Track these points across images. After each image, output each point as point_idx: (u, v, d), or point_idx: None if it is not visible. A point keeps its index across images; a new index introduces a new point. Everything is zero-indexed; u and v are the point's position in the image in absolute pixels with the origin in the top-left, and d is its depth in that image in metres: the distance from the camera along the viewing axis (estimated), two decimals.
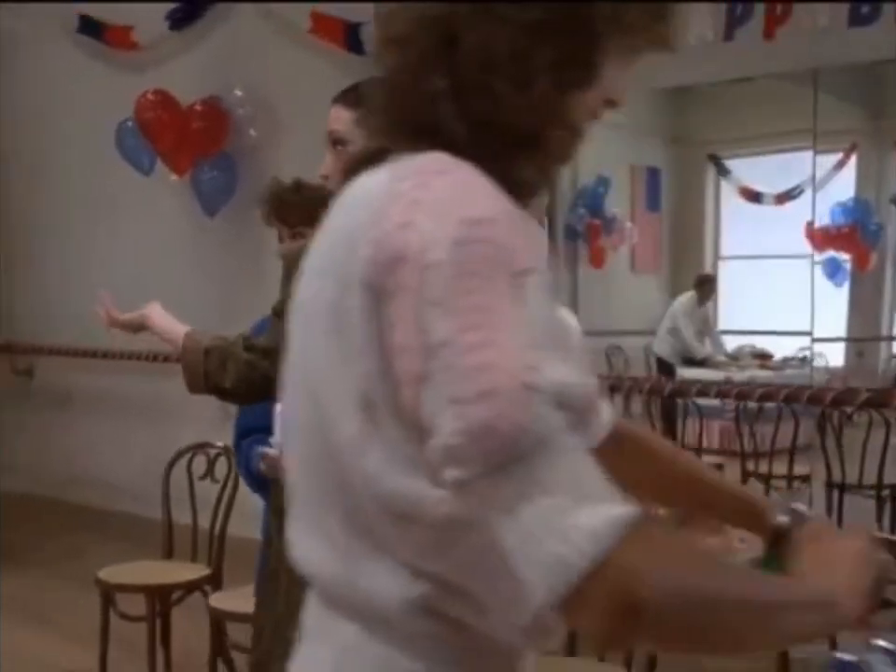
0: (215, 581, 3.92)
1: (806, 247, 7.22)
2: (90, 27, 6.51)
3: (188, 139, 5.64)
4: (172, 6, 5.97)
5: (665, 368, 7.69)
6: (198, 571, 3.97)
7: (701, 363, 7.63)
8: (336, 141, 2.12)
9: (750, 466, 5.42)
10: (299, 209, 2.85)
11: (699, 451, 5.68)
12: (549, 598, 0.84)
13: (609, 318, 9.28)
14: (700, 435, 5.82)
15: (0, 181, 7.28)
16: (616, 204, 9.52)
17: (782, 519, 1.26)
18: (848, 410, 4.21)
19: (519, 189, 1.03)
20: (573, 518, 0.83)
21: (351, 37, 5.25)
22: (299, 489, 1.06)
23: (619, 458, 1.32)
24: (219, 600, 3.66)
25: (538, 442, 0.85)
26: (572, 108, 1.09)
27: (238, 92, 5.79)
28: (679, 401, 5.70)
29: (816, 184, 5.60)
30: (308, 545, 1.06)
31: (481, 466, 0.85)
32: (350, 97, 2.12)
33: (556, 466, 0.86)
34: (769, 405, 5.00)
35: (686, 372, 7.34)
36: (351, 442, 0.95)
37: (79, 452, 6.91)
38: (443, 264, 0.88)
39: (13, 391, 7.29)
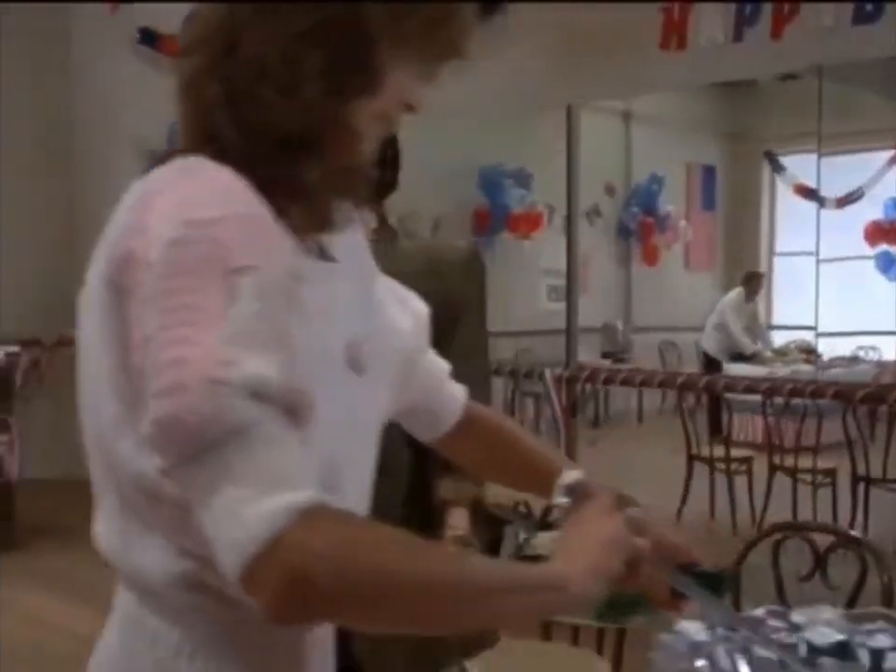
0: None
1: (864, 246, 7.25)
2: (147, 38, 6.83)
3: None
4: None
5: (711, 363, 7.72)
6: None
7: (749, 358, 7.64)
8: None
9: (778, 460, 5.46)
10: None
11: (727, 443, 5.73)
12: (236, 581, 0.87)
13: (662, 315, 9.35)
14: (730, 428, 5.86)
15: (71, 182, 7.67)
16: (671, 202, 9.58)
17: (561, 501, 1.31)
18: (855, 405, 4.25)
19: (303, 193, 1.06)
20: (256, 506, 0.87)
21: None
22: (90, 469, 1.12)
23: (468, 440, 1.45)
24: None
25: (229, 433, 0.88)
26: (355, 114, 1.09)
27: None
28: (727, 396, 5.68)
29: (821, 184, 5.61)
30: (97, 520, 1.11)
31: (175, 456, 0.89)
32: None
33: (251, 455, 0.89)
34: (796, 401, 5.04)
35: (732, 368, 7.36)
36: (110, 426, 1.01)
37: None
38: (158, 264, 0.92)
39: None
